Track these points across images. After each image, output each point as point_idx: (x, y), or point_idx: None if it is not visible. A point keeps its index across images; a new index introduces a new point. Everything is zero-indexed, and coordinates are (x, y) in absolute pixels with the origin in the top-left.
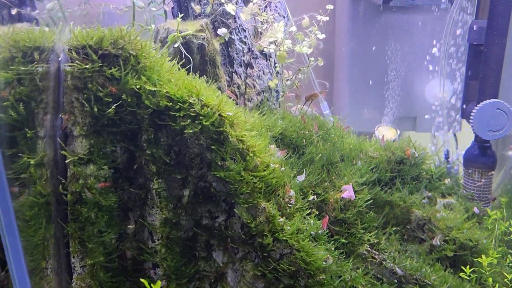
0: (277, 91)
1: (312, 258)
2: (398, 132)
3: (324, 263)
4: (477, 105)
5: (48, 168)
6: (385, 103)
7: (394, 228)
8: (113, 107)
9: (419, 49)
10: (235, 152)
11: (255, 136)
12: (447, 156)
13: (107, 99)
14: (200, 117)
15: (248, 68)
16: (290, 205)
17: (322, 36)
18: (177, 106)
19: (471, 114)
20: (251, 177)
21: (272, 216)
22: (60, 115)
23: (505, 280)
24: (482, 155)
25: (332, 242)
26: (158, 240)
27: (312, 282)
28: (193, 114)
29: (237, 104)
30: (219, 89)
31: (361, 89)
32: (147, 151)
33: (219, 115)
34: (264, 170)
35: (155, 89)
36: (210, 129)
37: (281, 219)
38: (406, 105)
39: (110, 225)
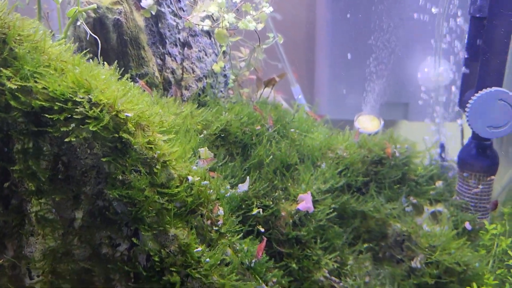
0: (225, 76)
1: None
2: (382, 123)
3: None
4: (475, 94)
5: None
6: (369, 87)
7: (366, 245)
8: None
9: (412, 22)
10: (138, 164)
11: (173, 140)
12: (442, 152)
13: None
14: (88, 120)
15: (186, 48)
16: (217, 228)
17: (269, 9)
18: (57, 107)
19: (467, 105)
20: (158, 196)
21: (185, 245)
22: None
23: None
24: (480, 156)
25: (277, 269)
26: (37, 276)
27: None
28: (78, 117)
29: (168, 95)
30: (147, 75)
31: (341, 69)
32: (21, 165)
33: (115, 115)
34: (178, 186)
35: (26, 84)
36: (105, 135)
37: (199, 248)
38: (395, 89)
39: None
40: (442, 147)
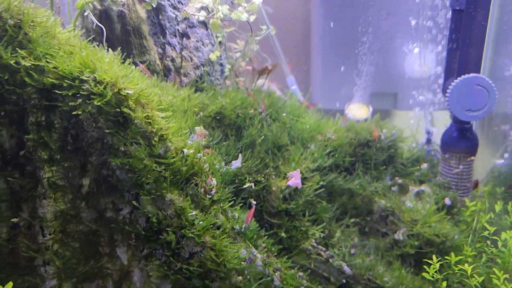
0: (221, 65)
1: (224, 258)
2: (371, 110)
3: (242, 263)
4: (455, 80)
5: None
6: (359, 78)
7: (352, 220)
8: None
9: (400, 16)
10: (139, 136)
11: (170, 117)
12: (429, 138)
13: None
14: (93, 96)
15: (184, 39)
16: (210, 196)
17: (259, 0)
18: (66, 84)
19: (447, 90)
20: (156, 164)
21: (181, 209)
22: None
23: (474, 283)
24: (460, 139)
25: (267, 237)
26: (50, 234)
27: (225, 285)
28: (84, 93)
29: (168, 80)
30: (149, 62)
31: (333, 61)
32: (34, 136)
33: (118, 92)
34: (174, 157)
35: (39, 63)
36: (108, 111)
37: (193, 213)
38: (384, 80)
39: None
40: (428, 133)
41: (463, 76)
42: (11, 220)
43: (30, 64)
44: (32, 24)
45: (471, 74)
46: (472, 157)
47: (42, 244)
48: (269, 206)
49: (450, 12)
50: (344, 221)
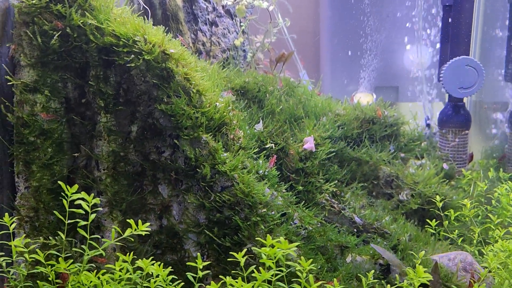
0: (244, 51)
1: (251, 189)
2: (375, 97)
3: (267, 198)
4: (447, 62)
5: None
6: (364, 73)
7: (361, 184)
8: (55, 37)
9: (399, 17)
10: (179, 89)
11: (204, 78)
12: (428, 123)
13: (53, 32)
14: (143, 53)
15: (213, 26)
16: (238, 143)
17: None
18: (122, 43)
19: (441, 72)
20: (194, 111)
21: (214, 149)
22: (7, 45)
23: (472, 233)
24: (455, 114)
25: (286, 190)
26: (104, 170)
27: (252, 214)
28: (137, 51)
29: (198, 56)
30: (183, 45)
31: (340, 59)
32: (95, 86)
33: (163, 52)
34: (208, 107)
35: (101, 26)
36: (155, 66)
37: (225, 154)
38: (386, 75)
39: (58, 155)
40: (428, 118)
41: (454, 58)
42: (73, 155)
43: (94, 26)
44: None
45: (462, 56)
46: (466, 131)
47: (97, 177)
48: (287, 165)
49: (441, 8)
50: (353, 185)
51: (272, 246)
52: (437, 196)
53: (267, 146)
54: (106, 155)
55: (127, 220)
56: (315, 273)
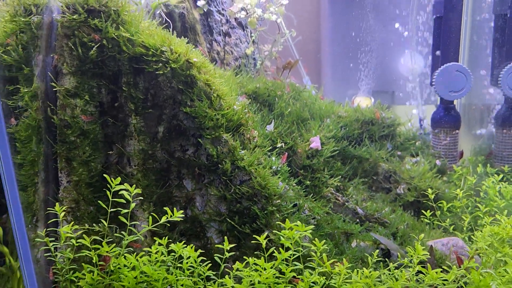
0: (254, 59)
1: (267, 182)
2: (373, 101)
3: (281, 190)
4: (439, 68)
5: (40, 99)
6: (362, 79)
7: (362, 180)
8: (94, 48)
9: (393, 26)
10: (202, 93)
11: (222, 84)
12: (421, 124)
13: (91, 44)
14: (170, 62)
15: (226, 37)
16: (254, 142)
17: (285, 1)
18: (151, 53)
19: (433, 77)
20: (215, 113)
21: (233, 147)
22: (51, 55)
23: (462, 222)
24: (446, 116)
25: (296, 181)
26: (134, 166)
27: (269, 204)
28: (164, 60)
29: (214, 64)
30: (201, 54)
31: (340, 65)
32: (126, 91)
33: (187, 60)
34: (227, 109)
35: (132, 37)
36: (180, 73)
37: (242, 152)
38: (383, 80)
39: (95, 152)
40: (421, 120)
41: (445, 64)
42: (108, 152)
43: (127, 38)
44: (125, 12)
45: (452, 62)
46: (457, 131)
47: (129, 172)
48: (296, 162)
49: (433, 19)
50: (355, 180)
51: (291, 228)
52: (429, 189)
53: (278, 145)
54: (137, 153)
55: (164, 208)
56: (326, 253)
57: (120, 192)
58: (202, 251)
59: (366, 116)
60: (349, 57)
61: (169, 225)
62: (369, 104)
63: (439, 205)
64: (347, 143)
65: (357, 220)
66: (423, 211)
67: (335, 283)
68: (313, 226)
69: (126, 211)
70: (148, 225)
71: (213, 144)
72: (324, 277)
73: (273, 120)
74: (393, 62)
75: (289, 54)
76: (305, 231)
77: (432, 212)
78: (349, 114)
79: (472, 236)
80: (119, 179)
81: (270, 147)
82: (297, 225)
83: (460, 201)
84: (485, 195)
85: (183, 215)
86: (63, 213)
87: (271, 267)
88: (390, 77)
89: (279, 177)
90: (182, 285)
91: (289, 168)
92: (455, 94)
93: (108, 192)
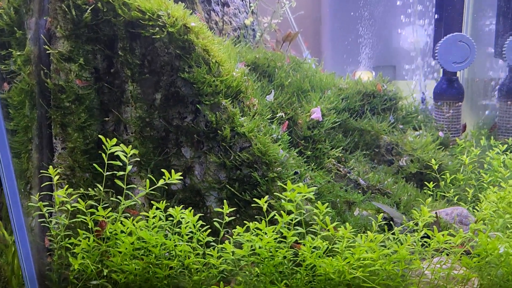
0: (253, 30)
1: (268, 149)
2: (374, 74)
3: (282, 157)
4: (442, 38)
5: (33, 63)
6: (363, 53)
7: (363, 152)
8: (88, 11)
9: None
10: (200, 59)
11: (220, 50)
12: (423, 98)
13: (85, 6)
14: (167, 26)
15: (225, 7)
16: (254, 109)
17: None
18: (147, 17)
19: (436, 48)
20: (213, 79)
21: (233, 113)
22: (44, 17)
23: (467, 193)
24: (449, 88)
25: (297, 151)
26: (131, 133)
27: (269, 171)
28: (161, 24)
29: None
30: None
31: (341, 41)
32: (122, 57)
33: (184, 25)
34: (226, 76)
35: (128, 1)
36: (177, 38)
37: (242, 118)
38: (384, 54)
39: (90, 119)
40: (423, 93)
41: (448, 35)
42: (104, 119)
43: (122, 1)
44: None
45: (455, 33)
46: (460, 103)
47: (126, 139)
48: (297, 132)
49: None
50: (356, 153)
51: (293, 190)
52: (433, 160)
53: (278, 115)
54: (134, 120)
55: (162, 170)
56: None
57: (116, 153)
58: (201, 220)
59: (368, 88)
60: (350, 32)
61: (167, 193)
62: (370, 77)
63: (442, 176)
64: (348, 115)
65: (359, 191)
66: (426, 182)
67: (338, 248)
68: (315, 188)
69: (122, 173)
70: (143, 192)
71: (212, 110)
72: (327, 242)
73: (273, 90)
74: (395, 35)
75: (289, 28)
76: (307, 193)
77: (435, 183)
78: (350, 86)
79: (476, 207)
80: (114, 140)
81: (270, 116)
82: (299, 187)
83: (465, 170)
84: (489, 166)
85: (182, 183)
86: (57, 178)
87: (273, 231)
88: (391, 51)
89: (279, 145)
90: (180, 251)
91: (290, 138)
92: (458, 65)
93: (103, 155)
